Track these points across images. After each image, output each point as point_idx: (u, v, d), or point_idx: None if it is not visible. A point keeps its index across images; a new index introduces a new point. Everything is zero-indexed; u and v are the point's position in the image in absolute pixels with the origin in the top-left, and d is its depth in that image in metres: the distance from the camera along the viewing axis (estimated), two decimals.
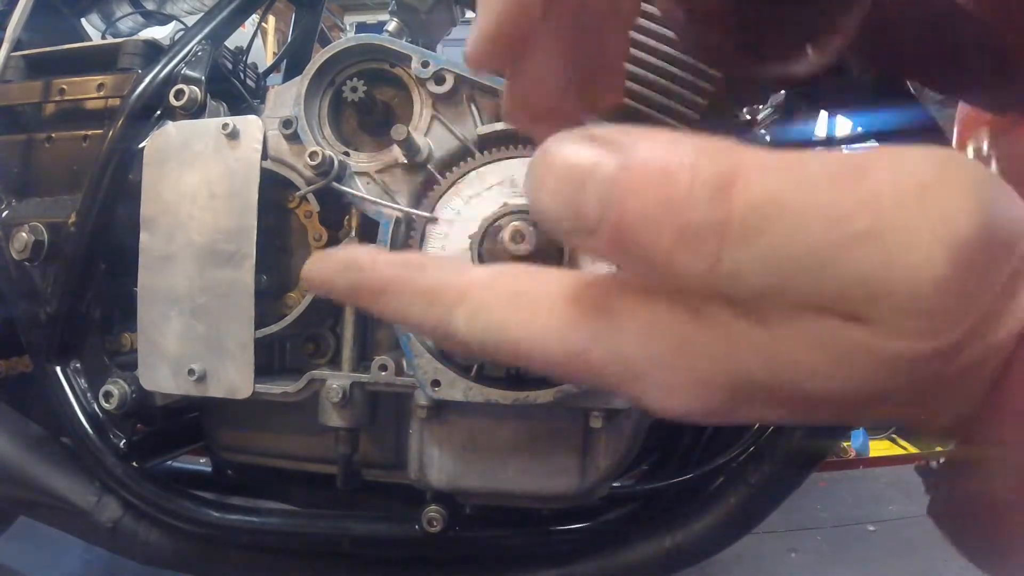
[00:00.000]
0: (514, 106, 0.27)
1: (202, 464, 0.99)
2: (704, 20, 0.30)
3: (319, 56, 0.70)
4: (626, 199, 0.16)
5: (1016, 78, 0.32)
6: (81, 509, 0.80)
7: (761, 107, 0.83)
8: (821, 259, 0.16)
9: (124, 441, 0.78)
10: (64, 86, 0.82)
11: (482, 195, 0.63)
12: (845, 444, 1.84)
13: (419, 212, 0.65)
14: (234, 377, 0.69)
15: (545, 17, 0.24)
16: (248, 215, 0.68)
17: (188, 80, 0.75)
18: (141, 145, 0.72)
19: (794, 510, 1.48)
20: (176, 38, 0.84)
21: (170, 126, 0.72)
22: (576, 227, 0.17)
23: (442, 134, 0.69)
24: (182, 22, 1.17)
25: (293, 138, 0.70)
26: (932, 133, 0.59)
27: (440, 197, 0.65)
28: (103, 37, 1.13)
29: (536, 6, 0.23)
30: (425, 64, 0.68)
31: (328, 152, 0.67)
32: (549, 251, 0.56)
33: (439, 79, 0.68)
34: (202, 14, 0.85)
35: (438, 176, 0.66)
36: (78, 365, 0.79)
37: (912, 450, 1.95)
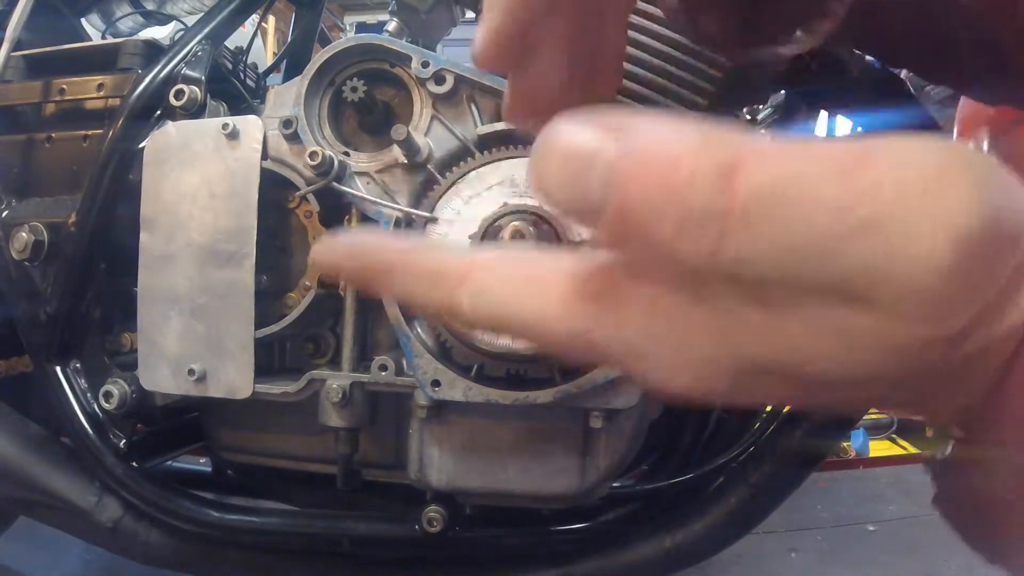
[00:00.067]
0: (516, 103, 0.27)
1: (202, 464, 0.99)
2: (697, 5, 0.30)
3: (319, 56, 0.70)
4: (629, 184, 0.16)
5: (1008, 69, 0.32)
6: (81, 509, 0.80)
7: (761, 107, 0.83)
8: (824, 247, 0.16)
9: (124, 441, 0.78)
10: (64, 86, 0.82)
11: (482, 195, 0.64)
12: (845, 444, 1.84)
13: (419, 212, 0.65)
14: (234, 377, 0.69)
15: (549, 12, 0.24)
16: (248, 215, 0.68)
17: (188, 80, 0.75)
18: (141, 145, 0.72)
19: (794, 510, 1.48)
20: (176, 38, 0.84)
21: (170, 126, 0.72)
22: (579, 210, 0.17)
23: (442, 134, 0.69)
24: (182, 22, 1.16)
25: (293, 138, 0.70)
26: (932, 133, 0.59)
27: (440, 197, 0.65)
28: (103, 37, 1.13)
29: (541, 2, 0.23)
30: (425, 64, 0.68)
31: (328, 152, 0.67)
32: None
33: (439, 79, 0.68)
34: (202, 14, 0.85)
35: (438, 176, 0.66)
36: (78, 365, 0.79)
37: (912, 450, 1.95)
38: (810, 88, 0.67)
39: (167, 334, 0.70)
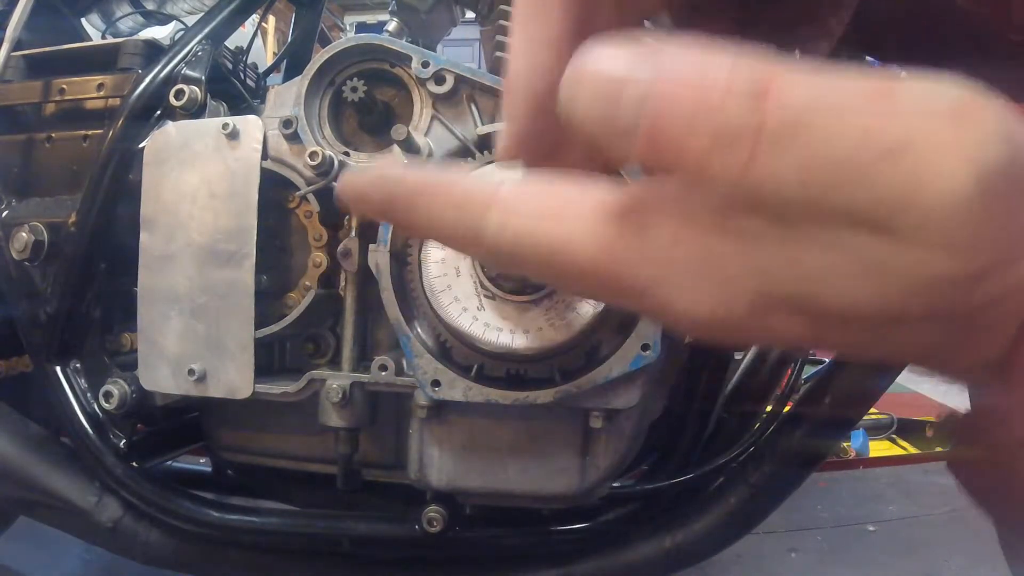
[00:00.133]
0: (516, 154, 0.27)
1: (202, 464, 0.99)
2: (700, 4, 0.30)
3: (319, 56, 0.70)
4: (661, 104, 0.17)
5: (993, 55, 0.31)
6: (81, 509, 0.80)
7: None
8: (851, 169, 0.16)
9: (124, 441, 0.78)
10: (64, 86, 0.82)
11: None
12: (845, 444, 1.84)
13: None
14: (234, 377, 0.69)
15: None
16: (248, 215, 0.68)
17: (188, 80, 0.75)
18: (141, 145, 0.72)
19: (794, 510, 1.48)
20: (176, 38, 0.84)
21: (170, 126, 0.72)
22: (610, 132, 0.18)
23: (442, 134, 0.69)
24: (182, 22, 1.16)
25: (293, 138, 0.70)
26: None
27: None
28: (103, 37, 1.13)
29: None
30: (425, 64, 0.68)
31: (328, 152, 0.67)
32: None
33: (439, 79, 0.68)
34: (202, 14, 0.85)
35: None
36: (78, 365, 0.79)
37: (912, 450, 1.95)
38: None
39: (167, 334, 0.70)
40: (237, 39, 0.99)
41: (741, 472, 0.79)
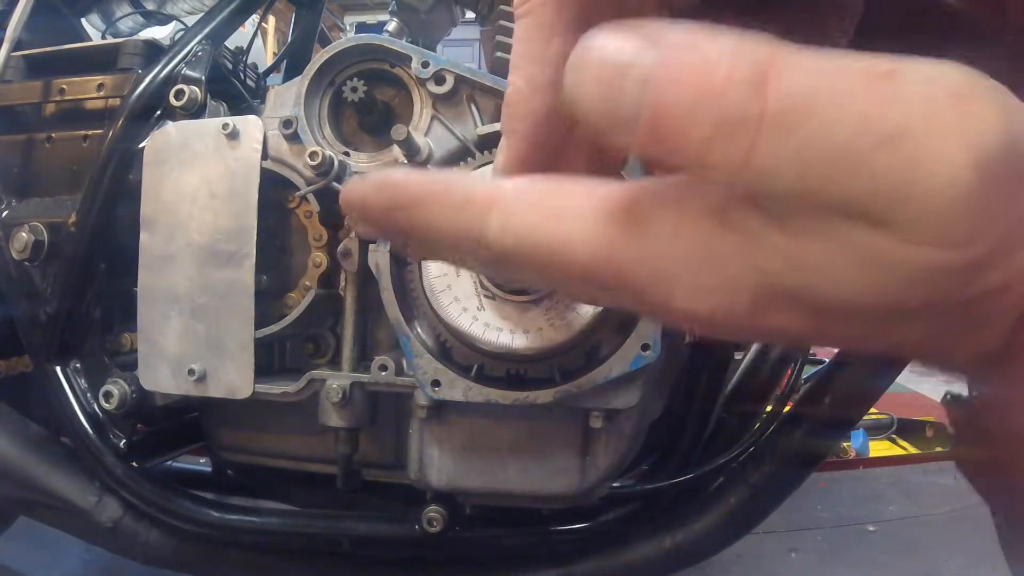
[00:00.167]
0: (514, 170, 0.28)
1: (202, 464, 0.99)
2: (699, 13, 0.30)
3: (319, 56, 0.70)
4: (663, 91, 0.17)
5: (989, 54, 0.31)
6: (81, 509, 0.80)
7: None
8: (850, 158, 0.16)
9: (124, 441, 0.78)
10: (64, 86, 0.82)
11: None
12: (845, 444, 1.84)
13: None
14: (234, 377, 0.69)
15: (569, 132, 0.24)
16: (248, 215, 0.68)
17: (188, 80, 0.75)
18: (141, 145, 0.72)
19: (794, 510, 1.48)
20: (176, 38, 0.84)
21: (170, 126, 0.72)
22: (612, 121, 0.18)
23: (442, 134, 0.69)
24: (182, 22, 1.16)
25: (293, 138, 0.70)
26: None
27: None
28: (103, 37, 1.13)
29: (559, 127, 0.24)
30: (425, 64, 0.68)
31: (328, 152, 0.67)
32: None
33: (439, 79, 0.68)
34: (202, 14, 0.85)
35: None
36: (78, 365, 0.79)
37: (912, 450, 1.95)
38: None
39: (167, 334, 0.70)
40: (237, 39, 0.99)
41: (741, 472, 0.79)
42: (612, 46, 0.18)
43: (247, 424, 0.80)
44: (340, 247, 0.69)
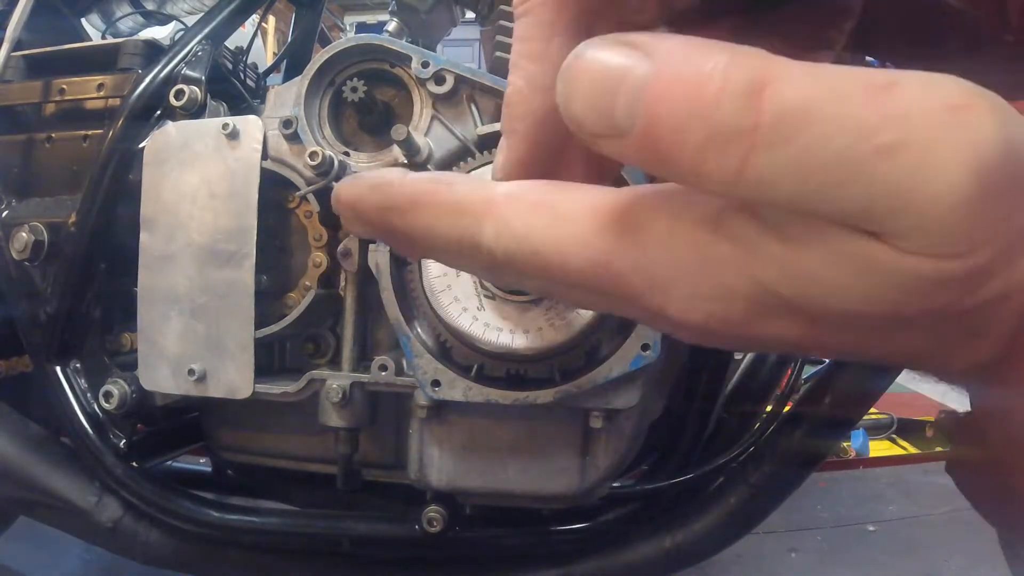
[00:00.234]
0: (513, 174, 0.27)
1: (202, 464, 0.99)
2: (697, 19, 0.30)
3: (319, 56, 0.70)
4: (657, 102, 0.17)
5: (989, 55, 0.31)
6: (81, 509, 0.80)
7: None
8: (846, 169, 0.16)
9: (124, 441, 0.78)
10: (64, 86, 0.82)
11: None
12: (845, 444, 1.84)
13: None
14: (234, 377, 0.69)
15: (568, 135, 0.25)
16: (248, 215, 0.68)
17: (188, 80, 0.75)
18: (141, 145, 0.72)
19: (794, 510, 1.48)
20: (176, 38, 0.84)
21: (170, 126, 0.72)
22: (606, 132, 0.18)
23: (442, 134, 0.69)
24: (182, 22, 1.16)
25: (293, 138, 0.70)
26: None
27: None
28: (103, 37, 1.13)
29: (560, 128, 0.24)
30: (425, 64, 0.68)
31: (328, 152, 0.67)
32: None
33: (439, 79, 0.68)
34: (202, 14, 0.85)
35: None
36: (78, 365, 0.79)
37: (912, 450, 1.95)
38: None
39: (167, 334, 0.70)
40: (237, 39, 0.99)
41: (741, 472, 0.79)
42: (604, 57, 0.17)
43: (247, 424, 0.80)
44: (340, 247, 0.69)
